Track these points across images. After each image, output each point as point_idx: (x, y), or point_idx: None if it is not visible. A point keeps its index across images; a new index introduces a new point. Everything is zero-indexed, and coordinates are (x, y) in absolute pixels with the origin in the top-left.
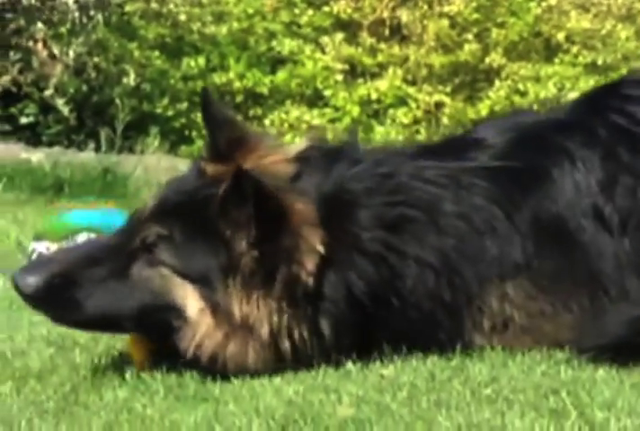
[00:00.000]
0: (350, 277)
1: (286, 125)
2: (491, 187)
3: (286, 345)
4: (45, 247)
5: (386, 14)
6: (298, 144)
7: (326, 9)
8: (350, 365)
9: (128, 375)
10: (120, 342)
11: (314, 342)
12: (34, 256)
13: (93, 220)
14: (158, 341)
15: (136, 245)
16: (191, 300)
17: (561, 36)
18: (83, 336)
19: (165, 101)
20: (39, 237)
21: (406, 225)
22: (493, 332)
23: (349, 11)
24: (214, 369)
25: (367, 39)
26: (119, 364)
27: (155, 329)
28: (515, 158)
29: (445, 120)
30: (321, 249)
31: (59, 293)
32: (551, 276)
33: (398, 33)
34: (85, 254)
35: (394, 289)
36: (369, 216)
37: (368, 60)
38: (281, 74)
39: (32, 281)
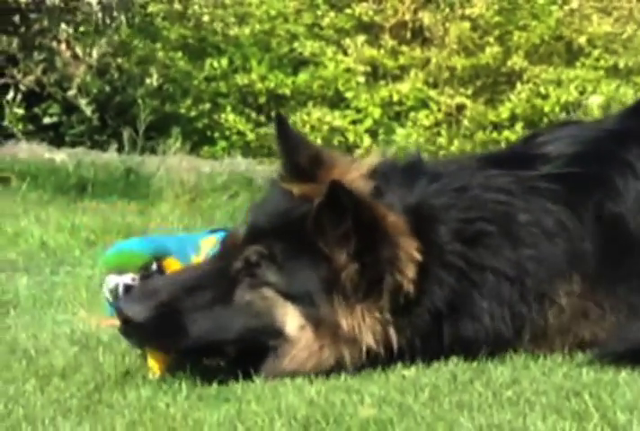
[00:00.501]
0: (433, 287)
1: (308, 126)
2: (559, 190)
3: (382, 352)
4: (130, 279)
5: (407, 17)
6: (370, 159)
7: (348, 11)
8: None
9: (151, 375)
10: None
11: (404, 348)
12: (121, 290)
13: (167, 247)
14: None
15: (237, 267)
16: (291, 318)
17: (582, 40)
18: (107, 335)
19: (188, 101)
20: (119, 270)
21: (483, 239)
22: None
23: (371, 13)
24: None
25: (389, 41)
26: (142, 363)
27: (254, 351)
28: (581, 168)
29: (466, 123)
30: (419, 257)
31: (167, 321)
32: (612, 274)
33: (420, 36)
34: (188, 281)
35: (470, 299)
36: (450, 231)
37: (389, 62)
38: (303, 76)
39: (142, 310)
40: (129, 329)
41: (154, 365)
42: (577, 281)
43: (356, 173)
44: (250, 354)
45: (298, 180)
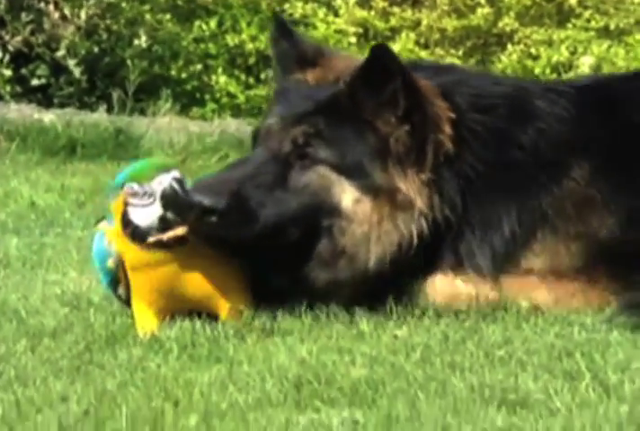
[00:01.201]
0: (463, 146)
1: None
2: (571, 92)
3: (435, 215)
4: (179, 174)
5: None
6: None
7: None
8: (363, 325)
9: (142, 334)
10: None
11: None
12: (169, 184)
13: None
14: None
15: (287, 150)
16: (346, 193)
17: (573, 0)
18: (97, 295)
19: (179, 63)
20: (164, 169)
21: (497, 110)
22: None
23: None
24: (358, 264)
25: (379, 2)
26: (133, 323)
27: (314, 233)
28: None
29: None
30: (453, 115)
31: (240, 208)
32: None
33: None
34: (246, 171)
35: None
36: (465, 102)
37: (380, 24)
38: None
39: (219, 199)
40: (208, 219)
41: (145, 322)
42: (585, 168)
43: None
44: (310, 239)
45: (307, 68)
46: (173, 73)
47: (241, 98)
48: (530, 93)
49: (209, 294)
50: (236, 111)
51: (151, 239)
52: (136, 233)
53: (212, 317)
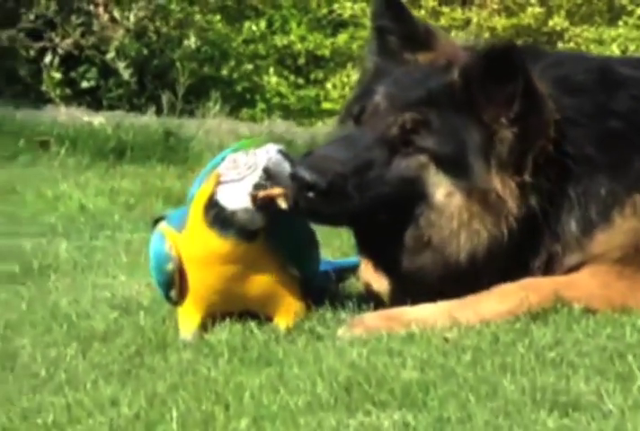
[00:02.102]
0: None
1: (347, 88)
2: None
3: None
4: (278, 148)
5: None
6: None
7: None
8: (413, 327)
9: (186, 335)
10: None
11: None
12: (276, 152)
13: None
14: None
15: (394, 134)
16: (441, 185)
17: None
18: (147, 299)
19: (229, 64)
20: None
21: (588, 86)
22: None
23: None
24: (443, 258)
25: (429, 1)
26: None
27: (403, 220)
28: None
29: None
30: (557, 116)
31: (341, 188)
32: None
33: None
34: (350, 150)
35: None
36: (556, 88)
37: (430, 23)
38: (343, 37)
39: (320, 176)
40: (307, 194)
41: (188, 323)
42: None
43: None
44: (398, 225)
45: (418, 50)
46: (223, 74)
47: (291, 98)
48: (613, 63)
49: (268, 297)
50: (285, 112)
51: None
52: (218, 217)
53: (261, 319)
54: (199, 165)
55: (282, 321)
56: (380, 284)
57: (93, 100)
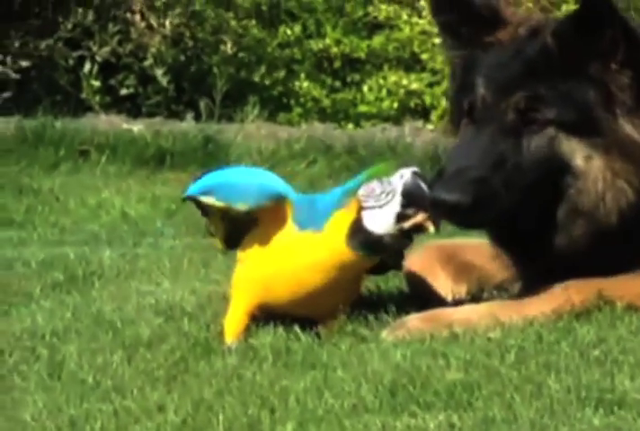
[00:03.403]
0: None
1: (384, 90)
2: None
3: None
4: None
5: None
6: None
7: None
8: (457, 328)
9: (230, 341)
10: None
11: None
12: (411, 177)
13: None
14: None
15: (511, 119)
16: (577, 152)
17: None
18: (190, 305)
19: (262, 69)
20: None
21: None
22: None
23: None
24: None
25: None
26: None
27: (551, 198)
28: None
29: None
30: None
31: (483, 196)
32: None
33: None
34: (476, 152)
35: None
36: None
37: None
38: (378, 39)
39: (462, 194)
40: (454, 215)
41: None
42: None
43: None
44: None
45: (494, 30)
46: (259, 79)
47: (326, 102)
48: None
49: (335, 305)
50: (322, 115)
51: (397, 226)
52: (364, 242)
53: (304, 322)
54: None
55: (327, 327)
56: (435, 278)
57: (133, 106)
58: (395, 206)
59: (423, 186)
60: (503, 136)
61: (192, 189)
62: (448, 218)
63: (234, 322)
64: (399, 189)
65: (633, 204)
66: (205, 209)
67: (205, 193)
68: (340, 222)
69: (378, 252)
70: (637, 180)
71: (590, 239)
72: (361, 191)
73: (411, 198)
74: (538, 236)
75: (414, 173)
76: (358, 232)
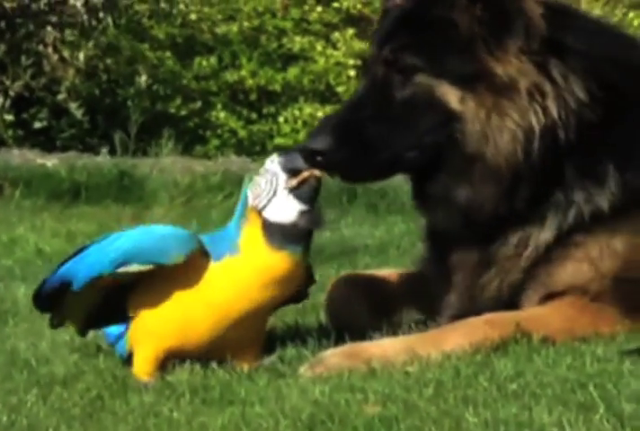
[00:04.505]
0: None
1: (299, 122)
2: None
3: (539, 100)
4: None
5: None
6: None
7: (336, 5)
8: (374, 363)
9: (145, 378)
10: None
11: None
12: (278, 153)
13: None
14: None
15: (381, 72)
16: (450, 94)
17: None
18: (105, 341)
19: (178, 101)
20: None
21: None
22: None
23: (359, 6)
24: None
25: None
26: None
27: (438, 146)
28: None
29: None
30: None
31: (352, 143)
32: None
33: None
34: (351, 104)
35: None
36: None
37: None
38: (293, 71)
39: (321, 139)
40: (319, 161)
41: (141, 369)
42: None
43: None
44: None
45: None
46: (174, 111)
47: (242, 133)
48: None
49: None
50: (239, 147)
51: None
52: (282, 236)
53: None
54: (154, 204)
55: (244, 363)
56: (354, 310)
57: (46, 140)
58: (283, 183)
59: (295, 154)
60: (375, 89)
61: (95, 269)
62: (322, 167)
63: (144, 366)
64: (278, 169)
65: (528, 145)
66: (61, 300)
67: (121, 265)
68: (251, 235)
69: (301, 241)
70: (520, 116)
71: (492, 191)
72: (250, 198)
73: (291, 167)
74: (445, 191)
75: (280, 153)
76: (271, 229)
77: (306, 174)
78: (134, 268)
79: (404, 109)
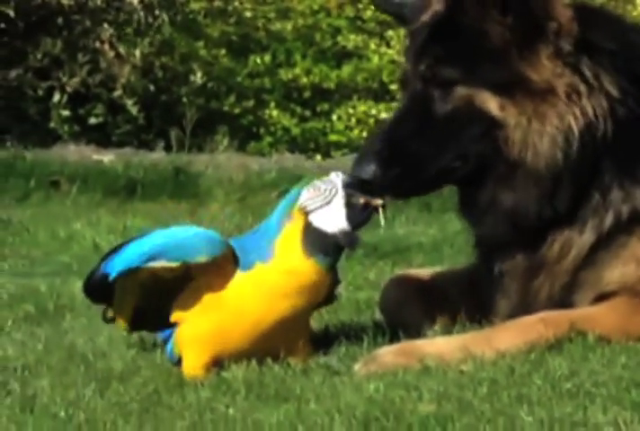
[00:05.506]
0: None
1: (353, 120)
2: None
3: (576, 101)
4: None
5: None
6: None
7: None
8: (429, 361)
9: (209, 375)
10: None
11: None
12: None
13: None
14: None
15: (420, 87)
16: (490, 102)
17: None
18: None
19: (232, 98)
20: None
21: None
22: None
23: None
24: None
25: None
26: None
27: (482, 154)
28: None
29: None
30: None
31: (399, 164)
32: None
33: None
34: (390, 126)
35: None
36: None
37: None
38: (347, 69)
39: (370, 170)
40: (369, 187)
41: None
42: None
43: None
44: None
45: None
46: (229, 108)
47: (295, 131)
48: None
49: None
50: (292, 144)
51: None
52: (318, 244)
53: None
54: (209, 200)
55: (296, 359)
56: (409, 309)
57: (102, 136)
58: (341, 198)
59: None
60: (415, 105)
61: (127, 262)
62: (375, 194)
63: (194, 371)
64: (339, 184)
65: (567, 147)
66: (110, 293)
67: (150, 260)
68: (289, 235)
69: (332, 254)
70: (559, 119)
71: (536, 195)
72: (304, 198)
73: (352, 188)
74: (491, 198)
75: (347, 174)
76: (311, 234)
77: (372, 202)
78: (162, 263)
79: (446, 122)
